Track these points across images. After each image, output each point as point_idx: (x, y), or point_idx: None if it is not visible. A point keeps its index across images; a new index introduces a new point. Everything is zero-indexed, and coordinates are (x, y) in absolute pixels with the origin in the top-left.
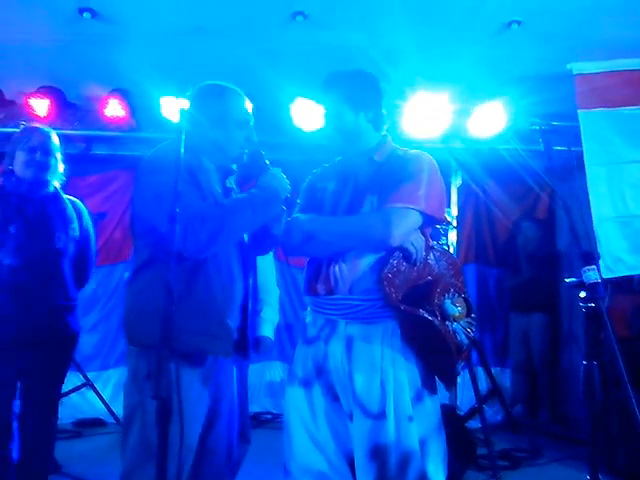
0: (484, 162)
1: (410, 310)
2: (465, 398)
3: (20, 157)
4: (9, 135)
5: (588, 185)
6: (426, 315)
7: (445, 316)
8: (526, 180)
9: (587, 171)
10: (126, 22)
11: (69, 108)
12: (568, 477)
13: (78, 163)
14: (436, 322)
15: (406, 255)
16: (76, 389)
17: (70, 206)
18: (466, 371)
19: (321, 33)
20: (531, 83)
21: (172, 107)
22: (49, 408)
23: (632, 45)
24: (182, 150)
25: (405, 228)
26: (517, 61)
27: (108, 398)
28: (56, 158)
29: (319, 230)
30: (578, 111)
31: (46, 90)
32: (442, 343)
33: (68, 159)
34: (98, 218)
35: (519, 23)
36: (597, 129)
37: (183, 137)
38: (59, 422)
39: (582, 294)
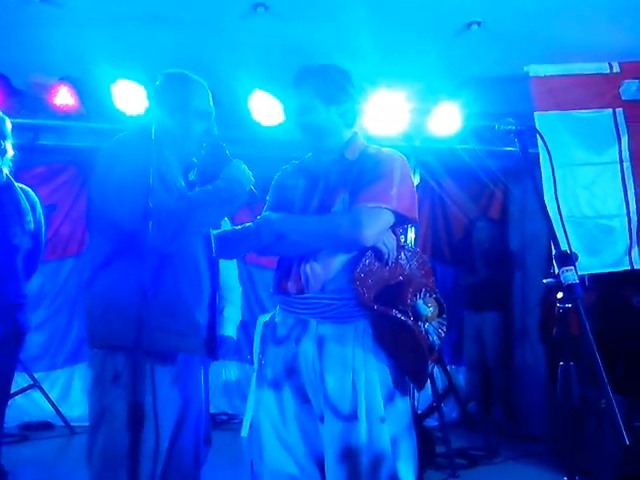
0: (442, 161)
1: (383, 310)
2: (421, 396)
3: None
4: None
5: (544, 186)
6: (399, 315)
7: (417, 316)
8: (481, 179)
9: (542, 172)
10: (76, 5)
11: (15, 95)
12: (525, 475)
13: (24, 153)
14: (409, 322)
15: (378, 255)
16: (22, 390)
17: (23, 197)
18: None
19: (282, 26)
20: (489, 84)
21: (124, 95)
22: None
23: (588, 49)
24: (152, 139)
25: (377, 228)
26: (476, 62)
27: (56, 399)
28: (6, 144)
29: (289, 229)
30: (535, 113)
31: None
32: (415, 344)
33: (14, 149)
34: (48, 211)
35: (479, 24)
36: (552, 131)
37: (154, 127)
38: (4, 425)
39: (559, 295)
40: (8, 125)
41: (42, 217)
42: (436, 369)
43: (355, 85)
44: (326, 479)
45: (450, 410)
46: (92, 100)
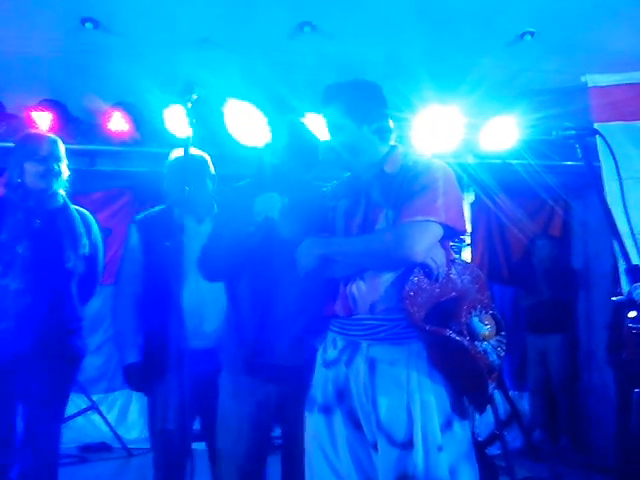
0: (497, 177)
1: (436, 330)
2: (482, 423)
3: (31, 168)
4: (9, 150)
5: (608, 199)
6: (454, 335)
7: (474, 335)
8: (540, 195)
9: (605, 184)
10: (129, 33)
11: (72, 122)
12: None
13: (82, 179)
14: (465, 342)
15: (427, 271)
16: (81, 412)
17: (79, 219)
18: None
19: (329, 44)
20: (545, 96)
21: (176, 119)
22: (52, 432)
23: None
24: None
25: (426, 243)
26: (530, 73)
27: (114, 422)
28: (61, 166)
29: (335, 252)
30: (594, 124)
31: (48, 103)
32: (472, 365)
33: (72, 175)
34: (104, 235)
35: (532, 34)
36: (614, 143)
37: None
38: (64, 447)
39: (632, 313)
40: (61, 147)
41: (99, 240)
42: (498, 395)
43: (385, 98)
44: None
45: (514, 438)
46: (146, 125)
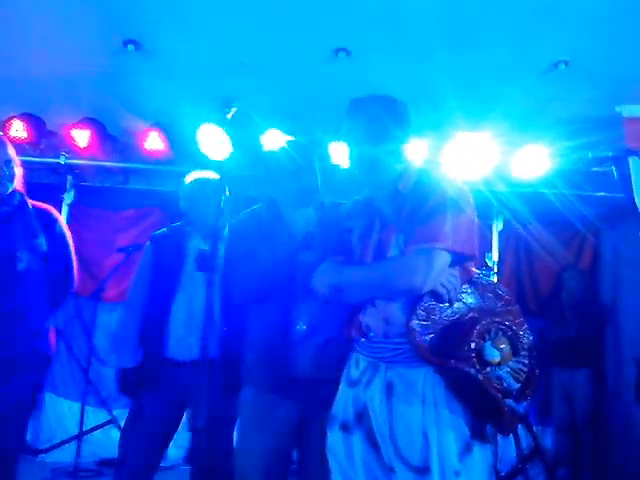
0: (528, 205)
1: (440, 362)
2: (505, 457)
3: None
4: (49, 165)
5: None
6: (459, 365)
7: (484, 362)
8: (571, 225)
9: None
10: (169, 55)
11: (109, 140)
12: None
13: (116, 196)
14: (471, 372)
15: (437, 296)
16: (100, 426)
17: (36, 216)
18: None
19: (363, 70)
20: (578, 125)
21: (209, 140)
22: (11, 434)
23: None
24: None
25: (432, 272)
26: (564, 102)
27: None
28: (15, 167)
29: (345, 282)
30: (629, 157)
31: (87, 122)
32: (482, 392)
33: (106, 192)
34: (133, 250)
35: (566, 63)
36: None
37: None
38: (82, 460)
39: None
40: (10, 149)
41: (64, 236)
42: (520, 429)
43: (404, 116)
44: None
45: (537, 474)
46: (181, 145)
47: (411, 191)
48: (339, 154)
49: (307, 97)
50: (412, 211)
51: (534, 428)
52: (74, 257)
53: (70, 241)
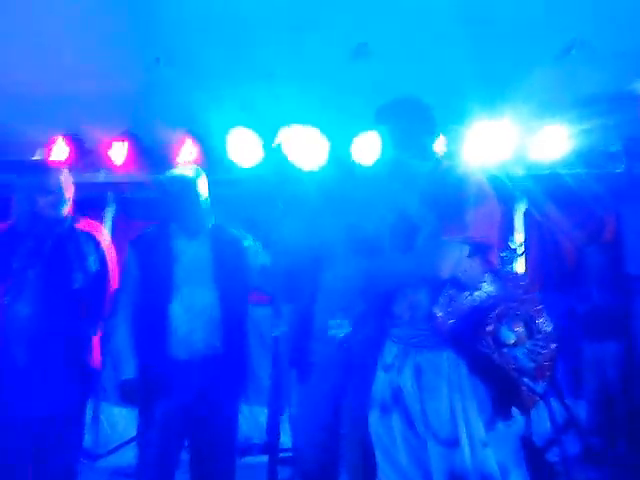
0: (547, 187)
1: (459, 341)
2: (540, 429)
3: (42, 199)
4: (88, 183)
5: None
6: (477, 346)
7: (500, 343)
8: (591, 203)
9: None
10: (199, 68)
11: (145, 154)
12: None
13: (155, 207)
14: (486, 350)
15: (458, 284)
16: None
17: (85, 239)
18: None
19: (383, 67)
20: (595, 106)
21: (238, 147)
22: (74, 441)
23: None
24: None
25: (449, 261)
26: (580, 84)
27: None
28: (68, 192)
29: (375, 272)
30: None
31: (124, 137)
32: (499, 371)
33: (145, 204)
34: None
35: (580, 45)
36: None
37: None
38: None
39: None
40: (65, 175)
41: (106, 256)
42: (554, 401)
43: (429, 117)
44: None
45: (572, 444)
46: (212, 154)
47: (438, 187)
48: (362, 150)
49: (331, 98)
50: (435, 205)
51: (567, 400)
52: (116, 275)
53: (113, 259)
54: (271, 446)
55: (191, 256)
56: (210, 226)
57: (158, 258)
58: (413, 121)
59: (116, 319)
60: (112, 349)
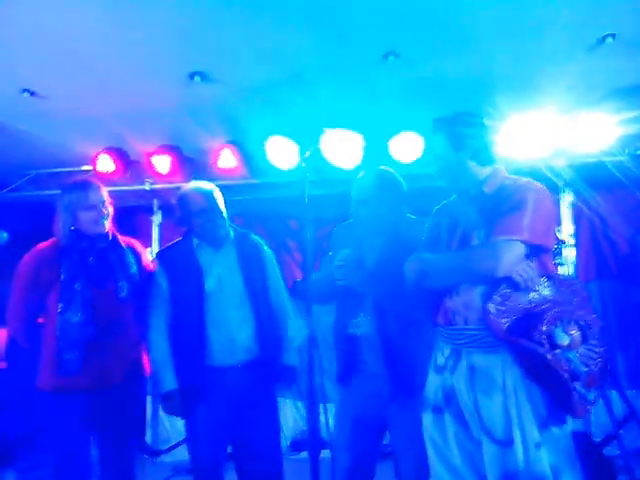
0: (592, 176)
1: (514, 340)
2: (599, 423)
3: (84, 215)
4: (135, 192)
5: None
6: (530, 345)
7: (553, 344)
8: (636, 191)
9: None
10: (231, 80)
11: (187, 163)
12: None
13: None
14: (541, 351)
15: (513, 284)
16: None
17: (128, 250)
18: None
19: (413, 70)
20: (632, 96)
21: (277, 152)
22: (127, 455)
23: None
24: None
25: (507, 260)
26: (615, 74)
27: None
28: (109, 207)
29: (430, 267)
30: None
31: (165, 148)
32: (551, 372)
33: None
34: None
35: (613, 36)
36: None
37: None
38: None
39: None
40: (104, 191)
41: (149, 265)
42: (614, 394)
43: (483, 125)
44: None
45: (634, 438)
46: (252, 160)
47: (496, 192)
48: (399, 150)
49: (363, 102)
50: (494, 208)
51: (628, 392)
52: None
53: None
54: (312, 443)
55: (220, 266)
56: (232, 236)
57: (187, 270)
58: (468, 129)
59: (150, 332)
60: (151, 360)
